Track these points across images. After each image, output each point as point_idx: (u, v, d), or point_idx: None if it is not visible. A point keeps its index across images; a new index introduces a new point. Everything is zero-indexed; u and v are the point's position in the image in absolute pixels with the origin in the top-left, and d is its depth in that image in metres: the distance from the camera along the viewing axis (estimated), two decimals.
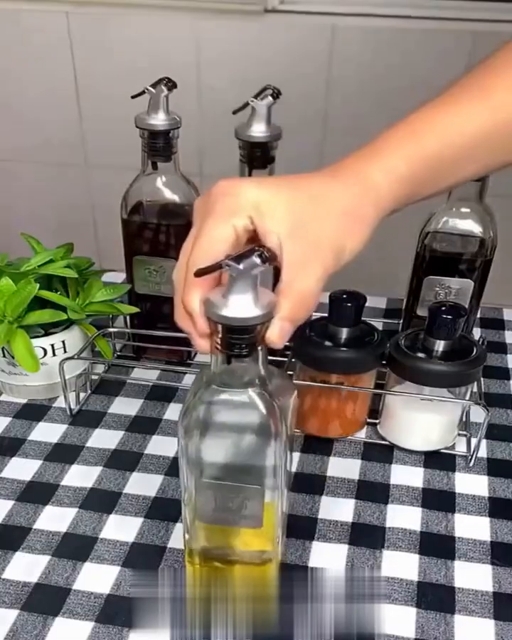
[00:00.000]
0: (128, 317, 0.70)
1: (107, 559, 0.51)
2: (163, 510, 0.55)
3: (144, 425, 0.63)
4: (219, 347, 0.35)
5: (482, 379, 0.68)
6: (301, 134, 1.70)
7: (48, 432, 0.63)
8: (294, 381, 0.59)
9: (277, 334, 0.36)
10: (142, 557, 0.51)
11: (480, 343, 0.62)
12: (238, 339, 0.34)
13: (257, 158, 0.60)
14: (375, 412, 0.62)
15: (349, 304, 0.55)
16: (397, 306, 0.80)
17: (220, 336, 0.35)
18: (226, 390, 0.38)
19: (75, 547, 0.51)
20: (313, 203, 0.38)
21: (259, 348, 0.36)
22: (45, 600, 0.48)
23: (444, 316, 0.54)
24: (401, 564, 0.50)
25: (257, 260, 0.33)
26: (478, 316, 0.77)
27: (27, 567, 0.50)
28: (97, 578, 0.49)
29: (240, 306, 0.33)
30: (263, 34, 1.59)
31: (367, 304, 0.79)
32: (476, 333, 0.75)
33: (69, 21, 1.70)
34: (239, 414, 0.39)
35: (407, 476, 0.58)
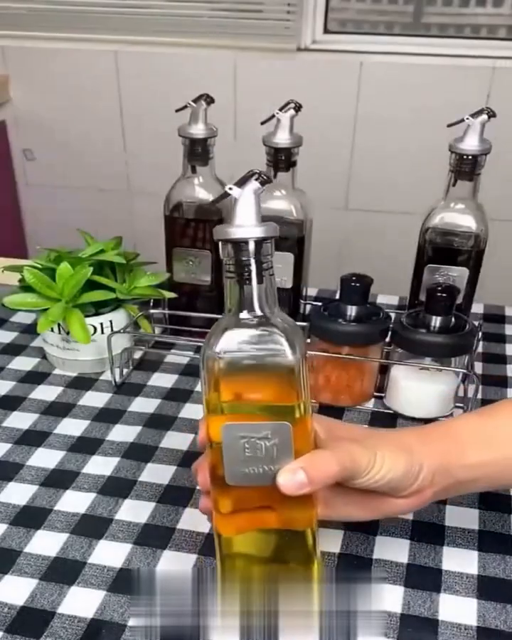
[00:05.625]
0: (166, 303, 0.80)
1: (145, 497, 0.59)
2: (193, 460, 0.62)
3: (179, 395, 0.72)
4: (230, 272, 0.39)
5: (482, 363, 0.76)
6: (330, 159, 1.80)
7: (95, 399, 0.72)
8: (310, 352, 0.67)
9: (287, 481, 0.39)
10: (176, 496, 0.59)
11: (477, 326, 0.70)
12: (245, 259, 0.38)
13: (281, 162, 0.69)
14: (381, 389, 0.70)
15: (357, 284, 0.64)
16: (406, 303, 0.88)
17: (228, 258, 0.38)
18: (244, 330, 0.40)
19: (118, 486, 0.60)
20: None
21: (269, 274, 0.39)
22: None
23: (440, 294, 0.62)
24: None
25: (257, 183, 0.38)
26: (482, 311, 0.85)
27: (78, 502, 0.59)
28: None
29: (243, 223, 0.38)
30: (296, 70, 1.72)
31: (380, 300, 0.88)
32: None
33: (117, 59, 1.86)
34: (260, 350, 0.40)
35: None
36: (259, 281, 0.39)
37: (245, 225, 0.38)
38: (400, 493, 0.44)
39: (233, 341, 0.40)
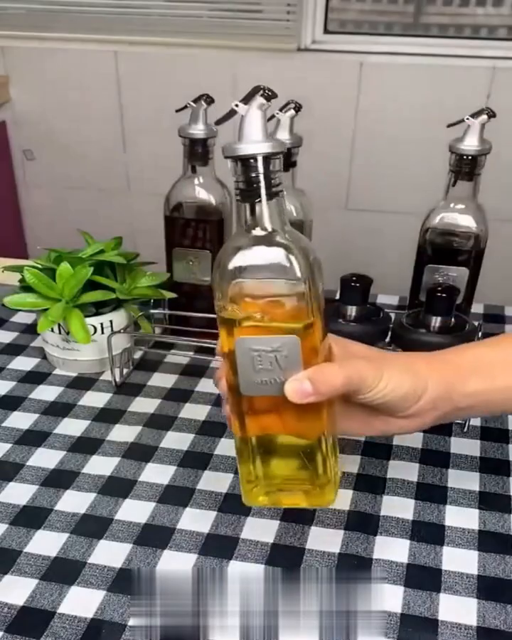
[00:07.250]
0: (166, 304, 0.80)
1: (145, 497, 0.59)
2: (194, 460, 0.63)
3: (179, 395, 0.72)
4: (241, 190, 0.39)
5: None
6: (330, 159, 1.81)
7: (95, 399, 0.72)
8: None
9: (294, 390, 0.42)
10: (176, 496, 0.59)
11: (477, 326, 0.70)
12: (254, 175, 0.38)
13: None
14: None
15: (357, 284, 0.64)
16: (406, 303, 0.88)
17: (238, 176, 0.39)
18: (256, 248, 0.40)
19: (118, 486, 0.60)
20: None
21: (279, 193, 0.40)
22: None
23: (440, 294, 0.62)
24: (399, 507, 0.58)
25: (262, 99, 0.39)
26: (482, 311, 0.85)
27: (78, 502, 0.59)
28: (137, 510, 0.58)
29: (250, 140, 0.38)
30: (296, 70, 1.72)
31: (381, 301, 0.88)
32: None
33: (117, 59, 1.86)
34: (270, 267, 0.41)
35: (408, 438, 0.65)
36: (269, 197, 0.39)
37: (253, 141, 0.38)
38: (401, 412, 0.46)
39: (245, 259, 0.41)
